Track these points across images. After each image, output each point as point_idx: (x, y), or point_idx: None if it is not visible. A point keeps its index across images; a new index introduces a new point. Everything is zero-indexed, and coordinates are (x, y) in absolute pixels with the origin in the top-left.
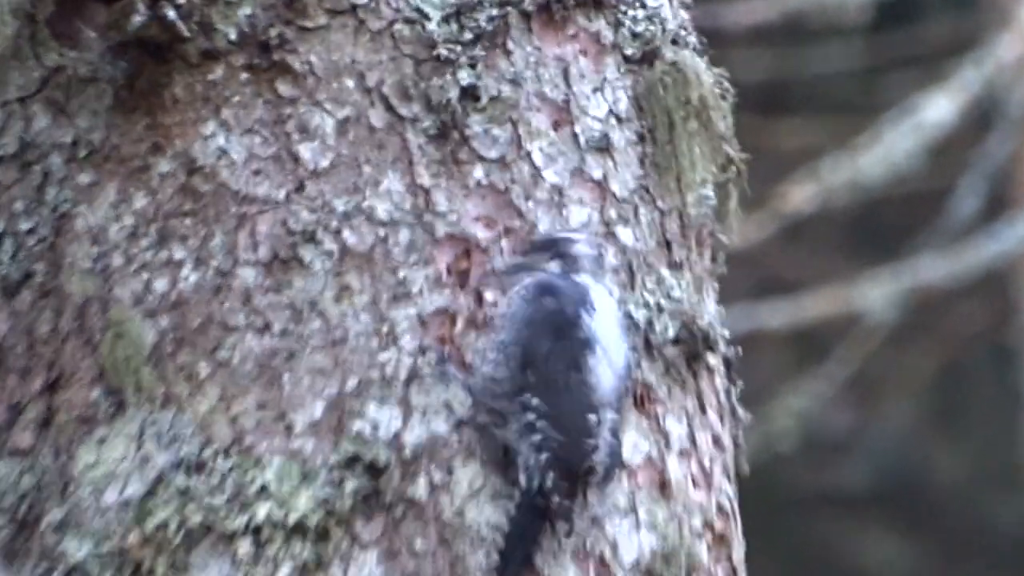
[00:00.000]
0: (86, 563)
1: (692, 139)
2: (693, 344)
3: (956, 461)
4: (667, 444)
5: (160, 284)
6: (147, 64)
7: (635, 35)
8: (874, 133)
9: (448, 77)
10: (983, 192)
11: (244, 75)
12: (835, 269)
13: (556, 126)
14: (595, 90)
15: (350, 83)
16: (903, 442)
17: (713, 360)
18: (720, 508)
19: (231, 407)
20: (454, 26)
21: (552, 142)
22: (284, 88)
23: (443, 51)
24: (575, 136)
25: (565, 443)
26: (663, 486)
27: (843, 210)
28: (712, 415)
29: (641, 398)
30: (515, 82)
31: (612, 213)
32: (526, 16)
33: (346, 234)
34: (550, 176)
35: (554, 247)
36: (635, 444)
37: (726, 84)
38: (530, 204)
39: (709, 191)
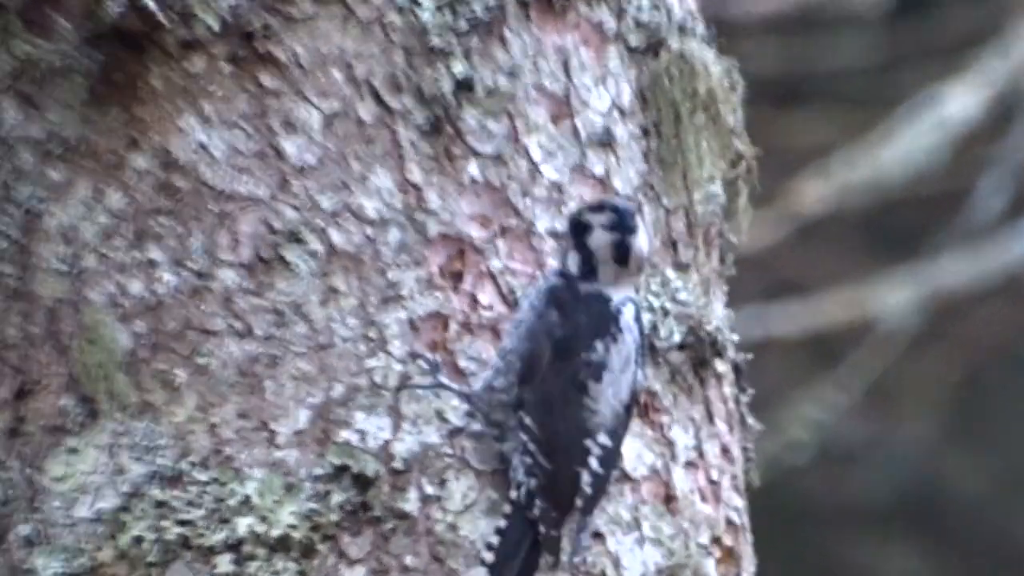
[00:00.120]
0: None
1: (699, 133)
2: (700, 349)
3: (978, 473)
4: (673, 455)
5: (135, 286)
6: (123, 55)
7: (639, 24)
8: (890, 128)
9: (441, 68)
10: (1007, 190)
11: (226, 67)
12: (849, 270)
13: (555, 120)
14: (597, 82)
15: (338, 75)
16: (923, 453)
17: (721, 366)
18: (729, 522)
19: (210, 416)
20: (448, 15)
21: (551, 137)
22: (268, 80)
23: (436, 41)
24: (576, 130)
25: (554, 471)
26: (669, 499)
27: (858, 209)
28: (720, 424)
29: (646, 406)
30: (512, 73)
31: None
32: (524, 4)
33: (333, 234)
34: (549, 172)
35: (577, 230)
36: (639, 455)
37: (735, 75)
38: (528, 202)
39: (717, 188)
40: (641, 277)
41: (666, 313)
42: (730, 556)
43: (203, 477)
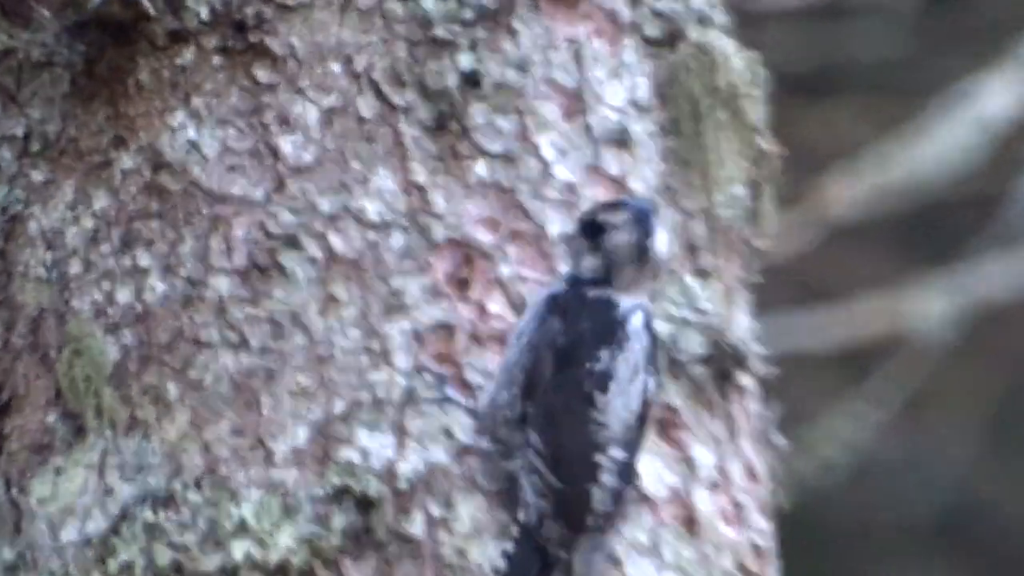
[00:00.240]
0: None
1: (720, 130)
2: (723, 362)
3: (1022, 490)
4: (694, 475)
5: (123, 295)
6: (108, 47)
7: (656, 13)
8: (923, 124)
9: (446, 61)
10: None
11: (217, 59)
12: (882, 277)
13: (568, 116)
14: (611, 75)
15: (336, 68)
16: (963, 471)
17: (745, 380)
18: (755, 547)
19: (203, 433)
20: (453, 3)
21: (563, 134)
22: (262, 74)
23: (440, 32)
24: (589, 127)
25: (564, 489)
26: (690, 522)
27: (890, 212)
28: (744, 442)
29: (665, 423)
30: (521, 67)
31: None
32: None
33: (332, 238)
34: (561, 172)
35: (588, 235)
36: (658, 475)
37: (759, 68)
38: (539, 204)
39: (740, 189)
40: (657, 282)
41: (686, 323)
42: None
43: (196, 498)
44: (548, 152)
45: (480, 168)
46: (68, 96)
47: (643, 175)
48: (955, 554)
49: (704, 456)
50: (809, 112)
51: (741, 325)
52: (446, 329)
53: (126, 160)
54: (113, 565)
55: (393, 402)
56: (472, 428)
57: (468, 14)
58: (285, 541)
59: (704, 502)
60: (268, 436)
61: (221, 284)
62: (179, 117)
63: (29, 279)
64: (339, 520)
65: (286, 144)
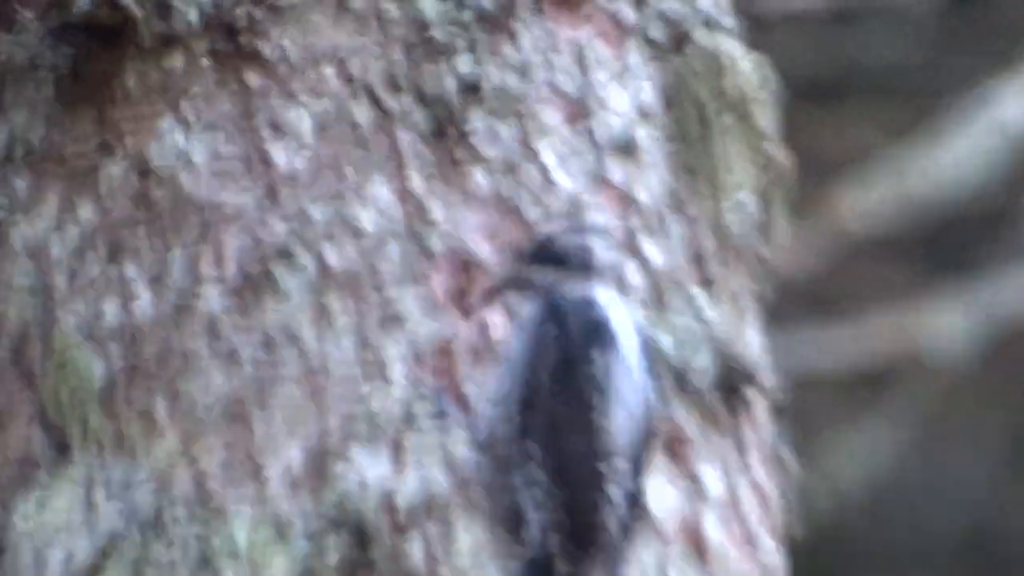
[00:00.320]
0: None
1: (728, 137)
2: (731, 378)
3: None
4: (702, 498)
5: (110, 308)
6: (94, 50)
7: (661, 16)
8: (940, 131)
9: (444, 65)
10: None
11: (207, 63)
12: (897, 290)
13: (570, 122)
14: (615, 80)
15: (330, 72)
16: (984, 493)
17: (755, 398)
18: (766, 572)
19: (193, 453)
20: (451, 6)
21: (565, 141)
22: (253, 78)
23: (438, 35)
24: (592, 134)
25: (570, 500)
26: (698, 547)
27: (906, 223)
28: (755, 463)
29: (670, 443)
30: (522, 71)
31: (635, 223)
32: None
33: (326, 249)
34: (563, 180)
35: (566, 256)
36: (664, 497)
37: (768, 71)
38: (539, 213)
39: (748, 198)
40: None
41: (692, 337)
42: None
43: (186, 521)
44: (549, 159)
45: (479, 176)
46: (52, 101)
47: (648, 183)
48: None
49: (712, 477)
50: (821, 117)
51: (750, 340)
52: (444, 343)
53: (112, 168)
54: None
55: (390, 419)
56: (471, 445)
57: (467, 16)
58: (278, 566)
59: (713, 525)
60: (260, 456)
61: (211, 297)
62: (167, 123)
63: (12, 291)
64: (334, 544)
65: (278, 151)
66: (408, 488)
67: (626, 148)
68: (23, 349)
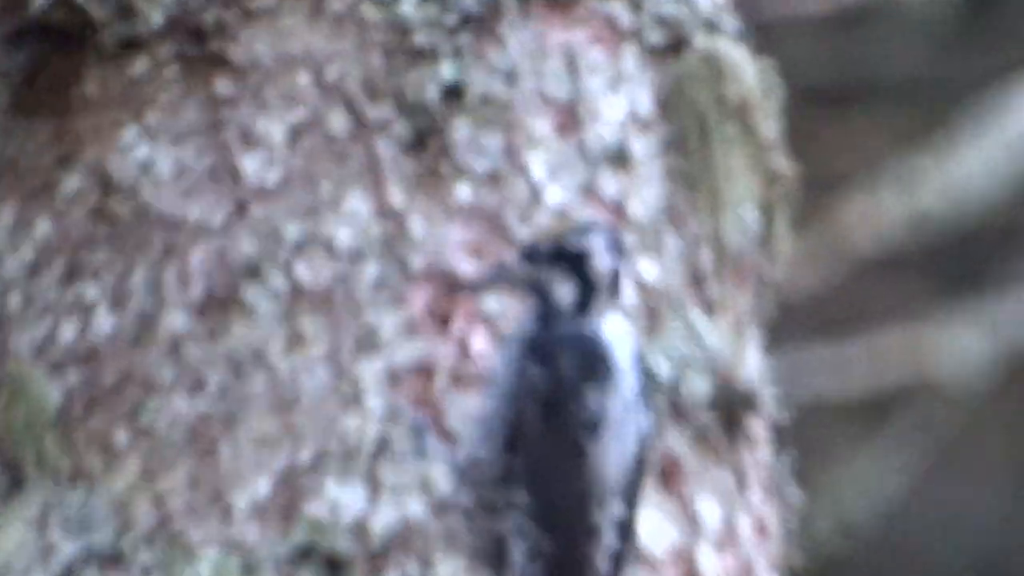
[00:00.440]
0: None
1: (729, 147)
2: (730, 405)
3: None
4: (698, 531)
5: (67, 331)
6: (52, 56)
7: (659, 19)
8: (952, 141)
9: (426, 71)
10: None
11: (173, 69)
12: (908, 310)
13: (560, 132)
14: (609, 87)
15: (304, 79)
16: (1000, 524)
17: (756, 425)
18: None
19: (155, 484)
20: (434, 8)
21: (555, 151)
22: (222, 85)
23: (420, 39)
24: (584, 144)
25: (559, 551)
26: None
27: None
28: (755, 494)
29: (666, 473)
30: (509, 77)
31: (630, 240)
32: None
33: (299, 268)
34: (553, 194)
35: (564, 262)
36: (659, 530)
37: (772, 78)
38: (527, 230)
39: (751, 212)
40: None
41: (690, 362)
42: None
43: (147, 556)
44: (538, 172)
45: (463, 190)
46: (8, 110)
47: (643, 197)
48: None
49: (709, 510)
50: (828, 126)
51: (752, 364)
52: (424, 369)
53: (71, 181)
54: None
55: (365, 450)
56: (450, 474)
57: (450, 19)
58: None
59: (709, 560)
60: (227, 488)
61: (175, 319)
62: (130, 134)
63: None
64: None
65: (248, 164)
66: (383, 519)
67: (620, 159)
68: None
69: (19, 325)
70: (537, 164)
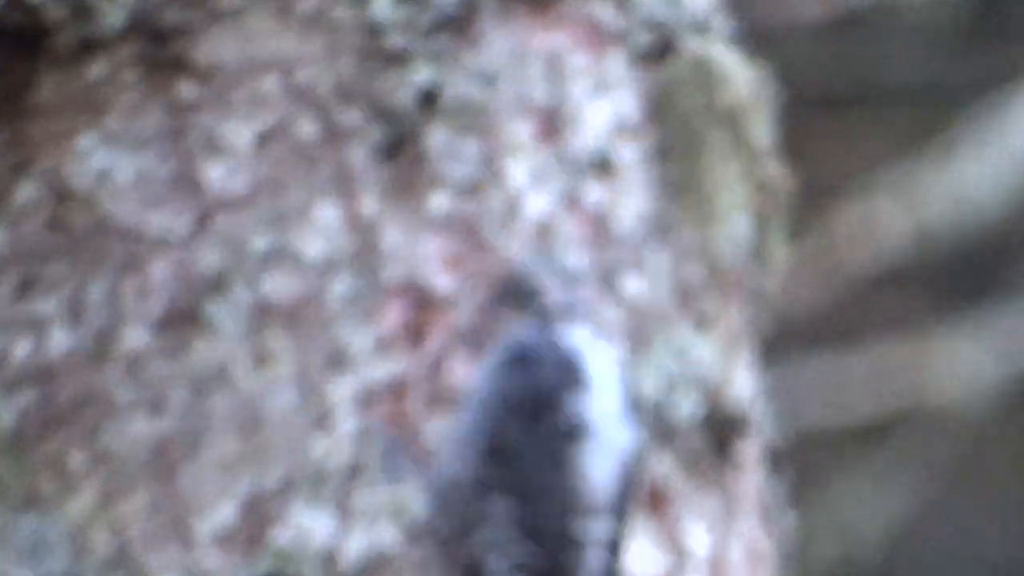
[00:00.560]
0: None
1: (720, 155)
2: (721, 426)
3: None
4: (687, 558)
5: (21, 349)
6: (5, 60)
7: (647, 21)
8: (956, 148)
9: (401, 75)
10: None
11: (133, 73)
12: (910, 325)
13: (541, 139)
14: (593, 92)
15: (272, 83)
16: (1015, 550)
17: (748, 447)
18: None
19: (113, 510)
20: (409, 9)
21: (535, 159)
22: (185, 89)
23: (394, 42)
24: (566, 152)
25: (542, 565)
26: None
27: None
28: (746, 520)
29: (653, 497)
30: (488, 81)
31: (613, 253)
32: None
33: (265, 282)
34: (533, 204)
35: (529, 296)
36: (645, 558)
37: (766, 83)
38: (506, 241)
39: (742, 223)
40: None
41: (678, 380)
42: None
43: None
44: (518, 180)
45: (439, 199)
46: None
47: (629, 207)
48: None
49: (699, 535)
50: (825, 132)
51: (744, 383)
52: (398, 388)
53: (25, 190)
54: None
55: (336, 474)
56: (428, 502)
57: (426, 21)
58: None
59: None
60: (189, 514)
61: (135, 336)
62: (88, 140)
63: None
64: None
65: (213, 172)
66: (354, 546)
67: (604, 168)
68: None
69: None
70: (517, 172)
